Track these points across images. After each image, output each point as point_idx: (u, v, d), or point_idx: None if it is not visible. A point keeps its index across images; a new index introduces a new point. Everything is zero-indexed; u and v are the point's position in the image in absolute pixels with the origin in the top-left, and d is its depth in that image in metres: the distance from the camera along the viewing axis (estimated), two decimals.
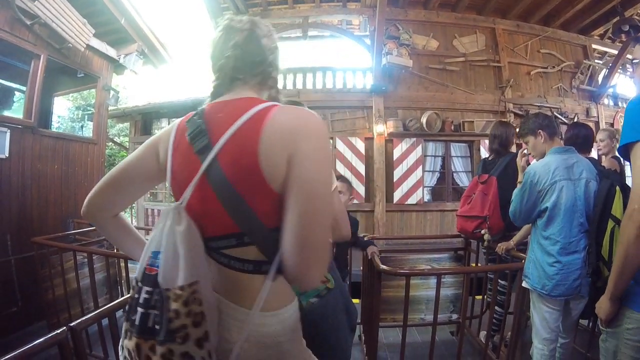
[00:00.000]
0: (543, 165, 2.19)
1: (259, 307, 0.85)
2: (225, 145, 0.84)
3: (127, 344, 0.81)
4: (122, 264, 3.60)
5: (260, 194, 0.83)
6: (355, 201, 6.53)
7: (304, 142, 0.82)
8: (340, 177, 2.63)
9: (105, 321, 1.76)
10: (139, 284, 0.83)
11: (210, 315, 0.81)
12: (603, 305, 1.33)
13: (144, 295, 0.80)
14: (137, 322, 0.80)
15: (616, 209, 1.89)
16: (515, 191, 2.31)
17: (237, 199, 0.83)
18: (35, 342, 1.22)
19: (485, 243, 3.08)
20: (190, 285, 0.78)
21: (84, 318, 1.55)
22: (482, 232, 3.04)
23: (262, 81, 1.00)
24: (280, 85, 1.10)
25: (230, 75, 0.98)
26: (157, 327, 0.78)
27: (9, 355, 1.09)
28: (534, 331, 2.30)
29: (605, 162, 3.31)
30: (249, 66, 0.97)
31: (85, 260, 3.26)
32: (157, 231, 0.85)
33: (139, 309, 0.80)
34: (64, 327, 1.38)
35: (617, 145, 3.18)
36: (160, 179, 1.01)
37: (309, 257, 0.80)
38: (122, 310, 3.22)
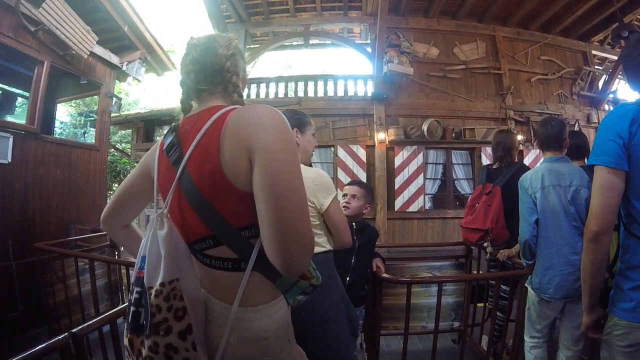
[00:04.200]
0: (534, 172, 2.31)
1: (238, 301, 0.89)
2: (192, 154, 0.90)
3: (125, 341, 0.90)
4: (124, 271, 3.61)
5: (226, 195, 0.87)
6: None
7: (256, 134, 0.84)
8: (358, 182, 2.59)
9: (106, 327, 1.75)
10: (132, 286, 0.91)
11: (195, 310, 0.87)
12: (583, 317, 1.41)
13: (135, 296, 0.88)
14: (129, 320, 0.88)
15: None
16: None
17: (203, 203, 0.88)
18: (37, 347, 1.22)
19: (488, 256, 3.09)
20: (170, 282, 0.85)
21: (86, 324, 1.55)
22: (485, 244, 3.05)
23: (225, 88, 1.05)
24: (244, 90, 1.13)
25: (194, 88, 1.04)
26: (145, 322, 0.85)
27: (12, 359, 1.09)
28: (526, 327, 2.38)
29: None
30: (210, 77, 1.03)
31: (87, 266, 3.26)
32: (145, 238, 0.93)
33: (132, 308, 0.88)
34: (66, 333, 1.38)
35: None
36: (152, 193, 1.09)
37: (288, 245, 0.79)
38: (123, 317, 3.23)
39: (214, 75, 1.03)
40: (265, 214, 0.80)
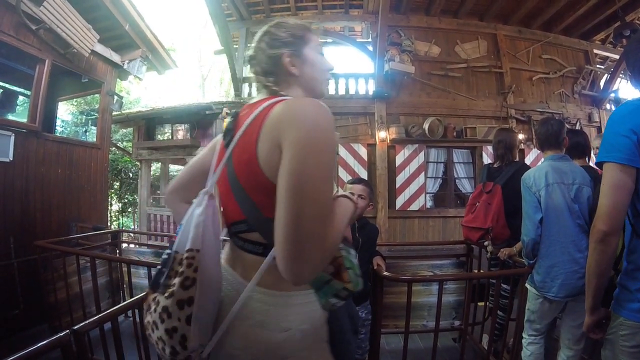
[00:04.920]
0: (537, 170, 2.30)
1: (256, 280, 0.90)
2: (237, 142, 0.94)
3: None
4: (125, 269, 3.61)
5: (259, 186, 0.88)
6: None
7: (288, 131, 0.81)
8: (363, 181, 2.58)
9: (107, 325, 1.76)
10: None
11: (205, 286, 0.87)
12: (585, 317, 1.38)
13: (164, 256, 0.93)
14: (153, 277, 0.93)
15: None
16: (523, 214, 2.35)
17: (240, 189, 0.92)
18: (38, 344, 1.22)
19: (488, 254, 3.10)
20: (189, 250, 0.87)
21: (87, 321, 1.55)
22: (485, 243, 3.05)
23: (276, 82, 1.05)
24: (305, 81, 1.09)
25: (256, 81, 1.11)
26: (160, 282, 0.90)
27: (12, 357, 1.10)
28: (525, 325, 2.38)
29: None
30: (262, 72, 1.07)
31: (88, 264, 3.27)
32: (189, 209, 0.96)
33: (158, 267, 0.92)
34: (67, 330, 1.39)
35: None
36: None
37: (288, 254, 0.76)
38: (124, 314, 3.24)
39: (264, 69, 1.06)
40: (278, 216, 0.78)
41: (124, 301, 3.71)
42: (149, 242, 6.46)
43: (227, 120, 1.06)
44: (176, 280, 0.85)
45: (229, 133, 1.00)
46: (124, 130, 11.70)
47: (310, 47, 1.08)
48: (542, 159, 2.41)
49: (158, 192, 10.20)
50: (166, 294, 0.85)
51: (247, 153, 0.89)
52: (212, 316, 0.92)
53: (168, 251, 0.92)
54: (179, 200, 1.20)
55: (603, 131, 1.37)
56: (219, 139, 1.12)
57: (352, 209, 1.00)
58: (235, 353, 0.91)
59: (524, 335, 2.39)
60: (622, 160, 1.20)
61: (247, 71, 8.51)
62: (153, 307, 0.88)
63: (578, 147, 2.63)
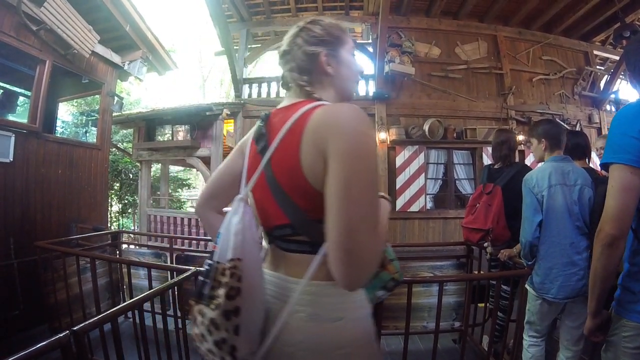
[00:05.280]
0: (540, 171, 2.29)
1: (310, 274, 0.90)
2: (276, 149, 0.93)
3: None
4: (125, 270, 3.61)
5: (303, 191, 0.88)
6: None
7: (332, 140, 0.81)
8: None
9: (107, 326, 1.76)
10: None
11: (250, 295, 0.87)
12: (587, 321, 1.36)
13: (205, 267, 0.91)
14: (196, 288, 0.91)
15: None
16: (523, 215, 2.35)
17: (284, 195, 0.91)
18: (38, 345, 1.22)
19: (488, 256, 3.10)
20: (231, 260, 0.85)
21: (86, 322, 1.55)
22: (485, 244, 3.05)
23: (310, 80, 1.03)
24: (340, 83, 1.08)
25: (289, 78, 1.07)
26: (204, 293, 0.89)
27: (12, 357, 1.09)
28: (526, 327, 2.38)
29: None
30: (297, 69, 1.04)
31: (88, 265, 3.27)
32: (226, 217, 0.95)
33: (200, 278, 0.91)
34: (67, 331, 1.38)
35: None
36: None
37: (347, 263, 0.78)
38: (124, 315, 3.24)
39: (299, 66, 1.03)
40: (330, 226, 0.79)
41: (124, 302, 3.70)
42: (149, 243, 6.47)
43: (258, 124, 1.05)
44: (221, 291, 0.84)
45: (262, 138, 0.99)
46: (124, 131, 11.72)
47: (345, 48, 1.07)
48: (545, 159, 2.40)
49: (158, 193, 10.20)
50: (212, 306, 0.84)
51: (290, 160, 0.88)
52: (259, 322, 0.92)
53: (209, 262, 0.91)
54: (211, 210, 1.19)
55: (607, 131, 1.34)
56: (245, 143, 1.11)
57: (390, 208, 1.04)
58: (288, 350, 0.89)
59: (524, 337, 2.39)
60: (632, 162, 1.16)
61: (247, 72, 8.53)
62: (199, 319, 0.87)
63: (579, 148, 2.63)
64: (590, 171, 2.40)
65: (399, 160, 7.19)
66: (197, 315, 0.89)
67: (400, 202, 7.13)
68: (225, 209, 1.15)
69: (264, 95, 7.68)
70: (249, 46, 8.21)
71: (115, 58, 5.76)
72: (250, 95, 7.66)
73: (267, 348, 0.91)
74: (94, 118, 6.87)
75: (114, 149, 10.55)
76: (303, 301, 0.90)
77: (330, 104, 0.94)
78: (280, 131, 0.92)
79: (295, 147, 0.87)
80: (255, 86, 7.76)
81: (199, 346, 0.89)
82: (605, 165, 1.27)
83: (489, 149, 6.83)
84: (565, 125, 7.10)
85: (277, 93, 7.66)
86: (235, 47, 7.69)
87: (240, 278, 0.84)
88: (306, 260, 0.91)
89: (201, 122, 7.40)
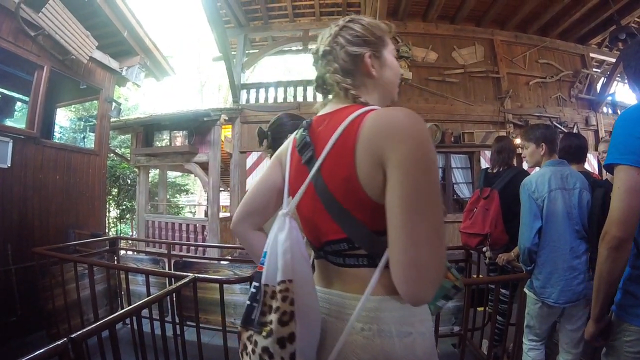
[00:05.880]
0: (539, 175, 2.28)
1: (371, 288, 0.83)
2: (326, 158, 0.87)
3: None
4: (123, 276, 3.60)
5: (361, 205, 0.83)
6: None
7: (393, 147, 0.76)
8: None
9: (105, 333, 1.75)
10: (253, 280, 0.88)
11: (304, 318, 0.80)
12: (589, 325, 1.34)
13: (252, 290, 0.86)
14: (244, 313, 0.86)
15: None
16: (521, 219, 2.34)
17: (340, 209, 0.85)
18: (36, 353, 1.22)
19: (487, 260, 3.10)
20: (282, 282, 0.79)
21: (85, 329, 1.54)
22: (484, 249, 3.06)
23: (354, 82, 0.97)
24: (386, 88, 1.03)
25: (331, 80, 0.99)
26: (254, 318, 0.83)
27: None
28: (525, 330, 2.37)
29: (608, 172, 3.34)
30: (340, 71, 0.97)
31: (86, 271, 3.26)
32: (271, 233, 0.88)
33: (247, 302, 0.86)
34: (65, 338, 1.38)
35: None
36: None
37: (413, 277, 0.74)
38: (122, 322, 3.22)
39: (343, 67, 0.97)
40: (393, 242, 0.76)
41: (121, 309, 3.69)
42: (147, 249, 6.44)
43: (300, 133, 0.99)
44: (273, 317, 0.78)
45: (307, 147, 0.93)
46: (122, 137, 11.67)
47: (388, 50, 1.02)
48: (542, 164, 2.40)
49: (156, 198, 10.18)
50: (264, 333, 0.78)
51: (344, 170, 0.83)
52: (315, 345, 0.85)
53: (256, 284, 0.85)
54: (250, 228, 1.10)
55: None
56: (283, 154, 1.06)
57: (445, 216, 0.96)
58: None
59: (524, 341, 2.38)
60: (638, 164, 1.14)
61: (245, 78, 8.54)
62: (250, 348, 0.81)
63: (580, 151, 2.63)
64: (586, 175, 2.41)
65: None
66: (247, 343, 0.83)
67: None
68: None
69: (262, 100, 7.70)
70: (247, 51, 8.24)
71: (113, 64, 5.77)
72: (248, 100, 7.67)
73: None
74: (91, 124, 6.88)
75: (111, 155, 10.53)
76: (366, 318, 0.83)
77: (383, 108, 0.87)
78: (330, 139, 0.86)
79: (349, 156, 0.82)
80: (253, 92, 7.77)
81: None
82: (609, 167, 1.24)
83: (487, 152, 6.88)
84: (562, 128, 7.14)
85: (275, 99, 7.68)
86: (233, 53, 7.71)
87: (292, 301, 0.78)
88: (364, 275, 0.85)
89: (199, 127, 7.40)
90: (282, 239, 0.83)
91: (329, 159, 0.86)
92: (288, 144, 1.05)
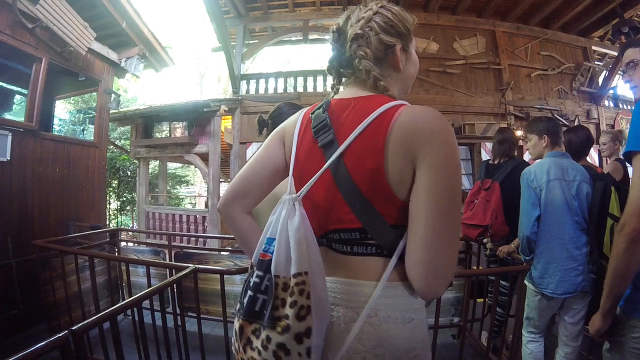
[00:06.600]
0: (539, 165, 2.30)
1: (387, 276, 0.83)
2: (351, 145, 0.84)
3: (235, 324, 0.84)
4: (124, 268, 3.61)
5: (385, 199, 0.82)
6: None
7: (428, 147, 0.78)
8: None
9: (106, 325, 1.76)
10: (253, 268, 0.85)
11: (319, 311, 0.78)
12: (595, 320, 1.30)
13: (254, 279, 0.82)
14: (244, 305, 0.82)
15: (613, 207, 2.02)
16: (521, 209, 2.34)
17: (361, 199, 0.83)
18: (37, 346, 1.22)
19: (488, 252, 3.11)
20: (298, 275, 0.77)
21: (85, 322, 1.55)
22: (484, 240, 3.06)
23: (382, 72, 0.94)
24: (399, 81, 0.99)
25: (359, 65, 0.94)
26: (264, 312, 0.79)
27: (11, 359, 1.09)
28: (524, 322, 2.39)
29: (608, 165, 3.35)
30: (372, 58, 0.94)
31: (87, 263, 3.26)
32: (273, 218, 0.85)
33: (249, 292, 0.82)
34: (66, 331, 1.38)
35: (620, 148, 3.22)
36: (287, 170, 0.98)
37: (431, 274, 0.77)
38: (123, 314, 3.24)
39: (375, 54, 0.94)
40: (417, 239, 0.78)
41: (122, 300, 3.71)
42: (148, 241, 6.46)
43: (317, 112, 0.94)
44: (289, 312, 0.75)
45: (325, 130, 0.89)
46: (122, 128, 11.65)
47: (413, 44, 1.00)
48: (544, 155, 2.40)
49: (156, 190, 10.18)
50: (279, 329, 0.75)
51: (371, 162, 0.81)
52: (323, 336, 0.82)
53: (259, 273, 0.82)
54: (240, 210, 1.02)
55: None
56: (286, 132, 1.00)
57: None
58: (357, 358, 0.81)
59: (523, 332, 2.40)
60: None
61: (244, 68, 8.49)
62: (259, 344, 0.78)
63: (588, 143, 2.66)
64: (588, 168, 2.41)
65: None
66: (251, 338, 0.80)
67: None
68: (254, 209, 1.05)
69: (261, 91, 7.66)
70: (247, 42, 8.18)
71: (112, 55, 5.73)
72: (248, 91, 7.63)
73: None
74: (91, 116, 6.86)
75: (111, 147, 10.52)
76: (374, 304, 0.82)
77: (417, 106, 0.85)
78: (357, 126, 0.84)
79: (379, 149, 0.81)
80: (253, 82, 7.73)
81: None
82: (628, 155, 1.19)
83: (487, 144, 6.87)
84: (563, 121, 7.11)
85: (275, 89, 7.64)
86: (232, 43, 7.65)
87: (309, 294, 0.76)
88: (372, 263, 0.85)
89: (199, 118, 7.37)
90: (294, 227, 0.80)
91: (355, 147, 0.84)
92: (295, 121, 0.99)
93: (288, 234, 0.80)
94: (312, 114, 0.95)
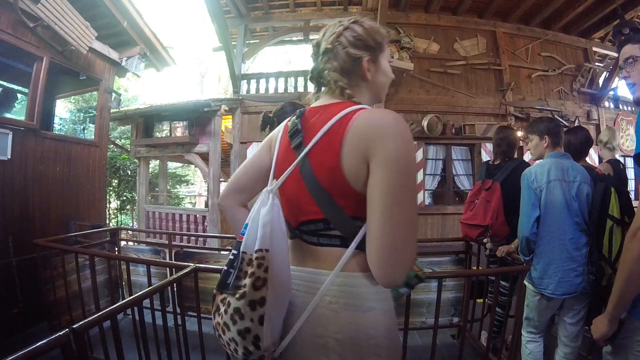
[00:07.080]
0: (540, 166, 2.30)
1: (341, 266, 0.92)
2: (314, 146, 0.95)
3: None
4: (124, 267, 3.61)
5: (343, 192, 0.91)
6: None
7: (379, 144, 0.85)
8: None
9: (107, 323, 1.76)
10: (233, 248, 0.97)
11: (276, 286, 0.88)
12: (600, 325, 1.27)
13: (230, 257, 0.95)
14: (220, 278, 0.95)
15: (613, 209, 2.01)
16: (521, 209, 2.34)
17: (322, 193, 0.93)
18: (37, 344, 1.22)
19: (487, 252, 3.11)
20: (259, 250, 0.87)
21: (86, 320, 1.55)
22: (485, 240, 3.06)
23: (349, 82, 1.04)
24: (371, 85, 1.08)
25: (328, 77, 1.05)
26: (228, 282, 0.92)
27: (11, 357, 1.09)
28: (524, 322, 2.39)
29: (600, 165, 3.37)
30: (339, 70, 1.04)
31: (87, 262, 3.26)
32: (253, 208, 0.97)
33: (224, 267, 0.95)
34: (67, 329, 1.38)
35: (615, 148, 3.21)
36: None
37: (388, 262, 0.84)
38: (123, 312, 3.24)
39: (342, 67, 1.03)
40: (373, 228, 0.85)
41: (123, 299, 3.71)
42: (148, 240, 6.45)
43: (293, 120, 1.06)
44: (247, 281, 0.86)
45: (298, 134, 1.01)
46: (122, 128, 11.65)
47: (384, 56, 1.09)
48: (545, 156, 2.40)
49: (156, 189, 10.18)
50: (237, 295, 0.87)
51: (330, 160, 0.91)
52: (282, 314, 0.94)
53: (234, 252, 0.94)
54: (237, 204, 1.18)
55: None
56: (273, 139, 1.13)
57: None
58: (320, 342, 0.91)
59: (523, 333, 2.40)
60: None
61: (245, 68, 8.49)
62: (223, 309, 0.90)
63: (588, 143, 2.65)
64: (589, 169, 2.41)
65: None
66: (220, 305, 0.92)
67: None
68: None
69: (262, 91, 7.66)
70: (247, 42, 8.17)
71: (113, 54, 5.73)
72: (248, 91, 7.63)
73: (288, 341, 0.94)
74: (91, 115, 6.85)
75: (112, 146, 10.52)
76: (335, 291, 0.92)
77: (373, 108, 0.96)
78: (320, 130, 0.95)
79: (336, 148, 0.91)
80: (253, 82, 7.73)
81: (221, 336, 0.91)
82: (638, 157, 1.18)
83: (488, 144, 6.87)
84: (563, 122, 7.11)
85: (276, 89, 7.64)
86: (233, 43, 7.65)
87: (267, 269, 0.86)
88: (336, 254, 0.94)
89: (199, 118, 7.38)
90: (263, 212, 0.91)
91: (317, 148, 0.95)
92: (279, 129, 1.13)
93: (257, 220, 0.92)
94: (289, 121, 1.09)
